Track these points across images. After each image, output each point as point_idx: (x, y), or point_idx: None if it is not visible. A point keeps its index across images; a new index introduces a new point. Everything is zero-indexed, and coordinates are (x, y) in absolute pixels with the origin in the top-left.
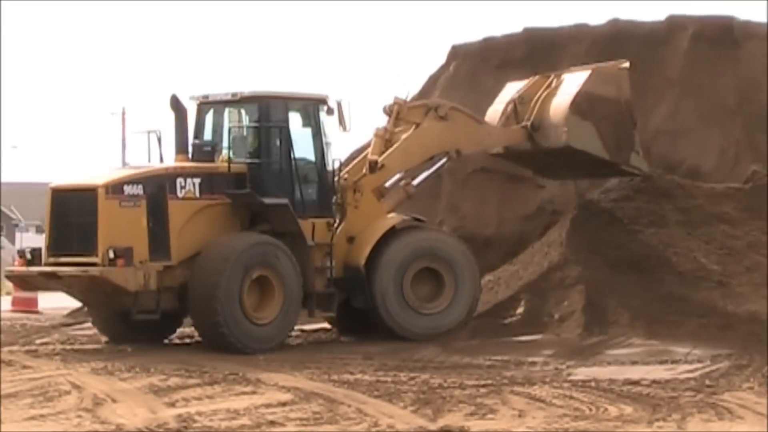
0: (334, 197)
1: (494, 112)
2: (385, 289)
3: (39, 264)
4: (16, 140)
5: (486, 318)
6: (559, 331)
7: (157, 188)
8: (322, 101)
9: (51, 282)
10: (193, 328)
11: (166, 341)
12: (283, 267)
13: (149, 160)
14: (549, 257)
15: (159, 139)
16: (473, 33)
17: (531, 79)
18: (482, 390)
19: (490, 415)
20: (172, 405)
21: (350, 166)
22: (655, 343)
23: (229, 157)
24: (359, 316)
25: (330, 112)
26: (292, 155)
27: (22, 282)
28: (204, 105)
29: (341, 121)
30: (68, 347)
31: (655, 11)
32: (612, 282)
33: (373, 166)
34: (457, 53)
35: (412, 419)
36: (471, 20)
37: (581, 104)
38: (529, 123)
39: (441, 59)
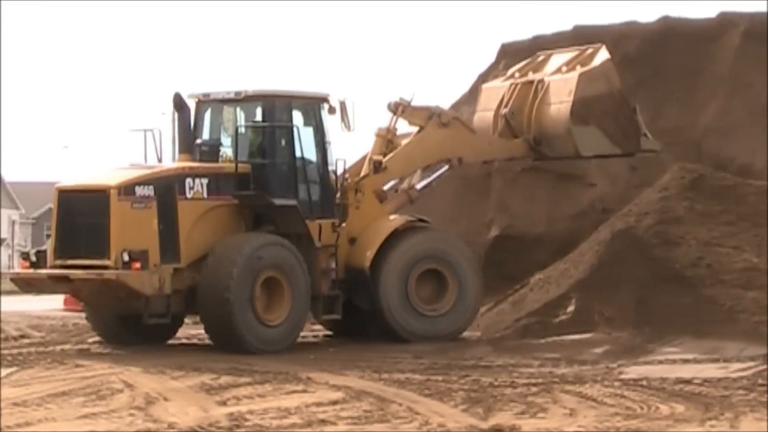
0: (336, 198)
1: (480, 120)
2: (390, 291)
3: (44, 266)
4: (68, 140)
5: (536, 317)
6: (609, 330)
7: (166, 189)
8: (324, 100)
9: (59, 285)
10: (189, 330)
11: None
12: (292, 268)
13: (146, 160)
14: (599, 255)
15: (153, 138)
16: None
17: (511, 86)
18: (533, 389)
19: (540, 414)
20: (224, 403)
21: (349, 166)
22: (707, 342)
23: (236, 158)
24: (355, 318)
25: (331, 111)
26: (297, 155)
27: (28, 285)
28: (204, 103)
29: (345, 121)
30: (123, 347)
31: (706, 9)
32: (663, 280)
33: (378, 167)
34: (507, 51)
35: (463, 418)
36: (521, 18)
37: (579, 112)
38: (530, 138)
39: (490, 58)
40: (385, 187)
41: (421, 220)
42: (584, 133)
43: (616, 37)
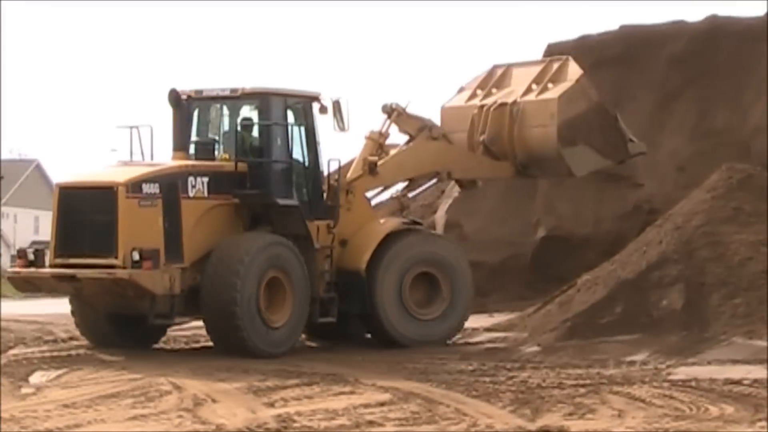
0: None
1: (459, 140)
2: (385, 294)
3: (42, 265)
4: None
5: (584, 317)
6: (657, 331)
7: (171, 187)
8: (316, 99)
9: (63, 284)
10: (172, 332)
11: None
12: (294, 269)
13: (131, 157)
14: (647, 256)
15: (139, 135)
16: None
17: (482, 109)
18: (581, 390)
19: (589, 415)
20: (272, 405)
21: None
22: (756, 343)
23: (236, 156)
24: (339, 322)
25: (323, 110)
26: (294, 155)
27: (27, 284)
28: (195, 100)
29: (339, 121)
30: (168, 348)
31: (754, 8)
32: (711, 281)
33: (372, 168)
34: (553, 51)
35: (511, 419)
36: (566, 18)
37: (565, 134)
38: (516, 162)
39: (537, 57)
40: (369, 194)
41: (414, 222)
42: (574, 153)
43: (662, 36)
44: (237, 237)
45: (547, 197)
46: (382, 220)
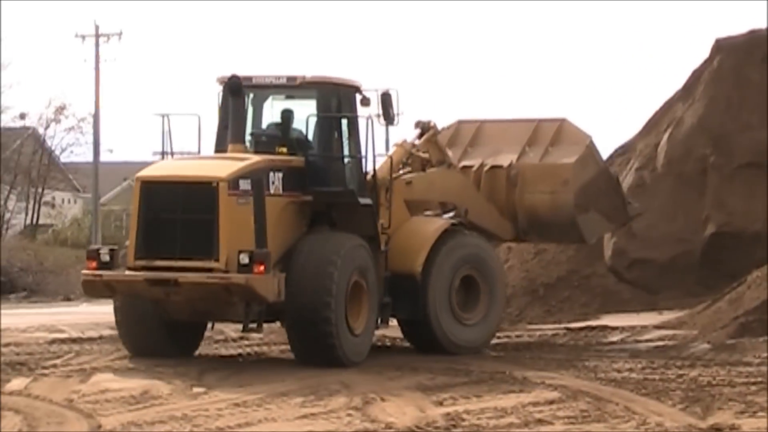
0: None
1: None
2: (438, 298)
3: (114, 267)
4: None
5: (755, 314)
6: None
7: (259, 183)
8: (359, 90)
9: (156, 289)
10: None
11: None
12: (371, 273)
13: (163, 147)
14: None
15: (168, 125)
16: (738, 26)
17: (472, 173)
18: (752, 388)
19: (760, 413)
20: (440, 404)
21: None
22: None
23: (305, 150)
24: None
25: (365, 102)
26: (348, 149)
27: (105, 288)
28: (245, 88)
29: (387, 113)
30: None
31: None
32: None
33: (425, 165)
34: (721, 47)
35: (681, 417)
36: (735, 13)
37: (581, 201)
38: (519, 228)
39: (704, 54)
40: None
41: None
42: (587, 220)
43: None
44: (320, 237)
45: (717, 193)
46: (426, 219)
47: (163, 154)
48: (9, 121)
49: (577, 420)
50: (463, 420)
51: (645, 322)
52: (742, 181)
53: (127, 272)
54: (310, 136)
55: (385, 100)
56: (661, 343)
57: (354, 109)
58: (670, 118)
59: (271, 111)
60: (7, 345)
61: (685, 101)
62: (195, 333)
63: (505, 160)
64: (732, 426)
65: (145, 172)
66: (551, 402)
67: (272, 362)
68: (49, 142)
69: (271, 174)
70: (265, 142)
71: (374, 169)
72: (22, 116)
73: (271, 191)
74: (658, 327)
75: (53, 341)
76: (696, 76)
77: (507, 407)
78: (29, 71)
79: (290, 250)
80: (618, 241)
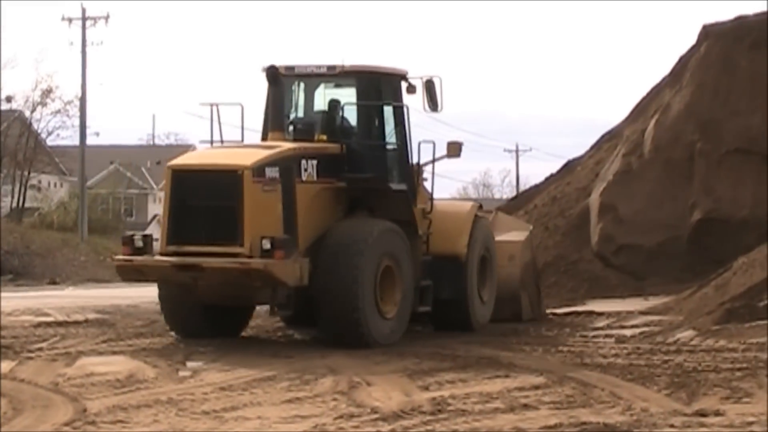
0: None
1: None
2: (472, 279)
3: (147, 253)
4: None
5: (741, 300)
6: None
7: (288, 171)
8: (404, 77)
9: (180, 274)
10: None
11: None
12: (403, 257)
13: (212, 136)
14: None
15: (216, 114)
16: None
17: None
18: (737, 373)
19: (745, 399)
20: (426, 388)
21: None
22: None
23: (341, 137)
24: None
25: (411, 89)
26: (390, 136)
27: (136, 273)
28: (285, 77)
29: (432, 100)
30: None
31: None
32: None
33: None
34: (709, 33)
35: (667, 403)
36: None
37: (523, 278)
38: None
39: (691, 40)
40: None
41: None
42: (524, 298)
43: None
44: (350, 223)
45: (704, 179)
46: (450, 203)
47: (212, 142)
48: None
49: (563, 405)
50: (449, 405)
51: (631, 308)
52: (730, 167)
53: (157, 258)
54: (354, 124)
55: (430, 87)
56: (647, 329)
57: (399, 97)
58: (658, 104)
59: (323, 99)
60: None
61: (672, 87)
62: (239, 316)
63: None
64: (717, 411)
65: (176, 161)
66: (537, 387)
67: (258, 346)
68: (35, 126)
69: (304, 161)
70: (303, 129)
71: (410, 156)
72: (9, 99)
73: (303, 178)
74: (644, 313)
75: (39, 324)
76: (683, 62)
77: (493, 392)
78: (16, 54)
79: (323, 235)
80: (605, 227)
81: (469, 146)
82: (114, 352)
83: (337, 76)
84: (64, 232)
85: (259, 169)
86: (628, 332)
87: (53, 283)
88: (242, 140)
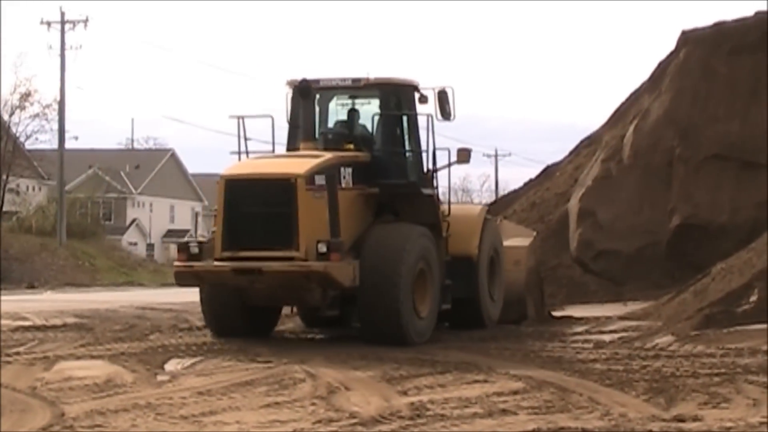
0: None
1: None
2: (483, 278)
3: (202, 259)
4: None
5: (719, 306)
6: None
7: (331, 178)
8: (417, 89)
9: (240, 278)
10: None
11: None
12: (434, 259)
13: (239, 148)
14: None
15: (241, 125)
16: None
17: None
18: (716, 379)
19: (724, 405)
20: (405, 393)
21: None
22: None
23: (372, 146)
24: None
25: (423, 100)
26: (409, 144)
27: (194, 278)
28: (314, 90)
29: (445, 110)
30: (303, 336)
31: None
32: None
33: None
34: (688, 39)
35: (645, 408)
36: (701, 5)
37: (529, 281)
38: None
39: (670, 46)
40: None
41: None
42: (529, 301)
43: None
44: (390, 228)
45: (683, 185)
46: (461, 206)
47: (239, 153)
48: None
49: (542, 410)
50: (428, 410)
51: (610, 313)
52: (708, 173)
53: (216, 263)
54: (373, 133)
55: (442, 97)
56: (625, 334)
57: (413, 107)
58: (637, 109)
59: (336, 110)
60: None
61: (651, 93)
62: (272, 316)
63: None
64: (695, 417)
65: (229, 171)
66: (516, 392)
67: (236, 351)
68: (13, 129)
69: (342, 169)
70: (332, 139)
71: (434, 162)
72: None
73: (342, 185)
74: (622, 318)
75: (17, 329)
76: (663, 68)
77: (471, 397)
78: None
79: (359, 238)
80: (584, 233)
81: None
82: (92, 357)
83: (362, 88)
84: (43, 236)
85: (310, 177)
86: (606, 337)
87: (31, 287)
88: (273, 151)
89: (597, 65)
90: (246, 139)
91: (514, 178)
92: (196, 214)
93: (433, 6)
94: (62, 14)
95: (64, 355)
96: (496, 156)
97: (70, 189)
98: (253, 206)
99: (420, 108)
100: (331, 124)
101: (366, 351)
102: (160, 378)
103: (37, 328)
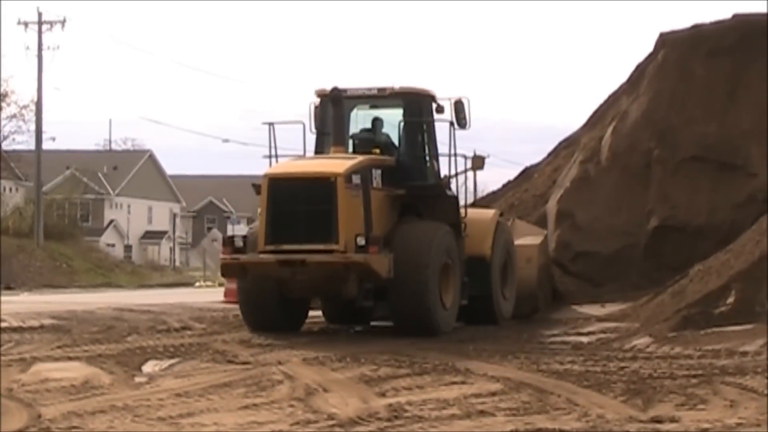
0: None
1: None
2: (496, 278)
3: (245, 252)
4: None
5: (697, 307)
6: None
7: (365, 178)
8: (434, 98)
9: (283, 269)
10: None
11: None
12: (456, 256)
13: (270, 152)
14: (760, 246)
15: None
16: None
17: None
18: (693, 380)
19: (701, 406)
20: (383, 395)
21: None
22: None
23: (395, 151)
24: (346, 305)
25: (440, 109)
26: (430, 150)
27: (240, 270)
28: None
29: (461, 119)
30: (280, 338)
31: None
32: None
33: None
34: (666, 41)
35: (623, 409)
36: (678, 7)
37: (541, 278)
38: None
39: (648, 48)
40: None
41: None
42: (540, 296)
43: None
44: (417, 226)
45: (661, 186)
46: (475, 209)
47: (270, 157)
48: None
49: (519, 412)
50: (406, 411)
51: (588, 315)
52: (686, 174)
53: (261, 255)
54: (395, 140)
55: (458, 107)
56: (603, 336)
57: (431, 115)
58: (615, 111)
59: (356, 118)
60: None
61: (629, 95)
62: (303, 311)
63: None
64: (672, 418)
65: (272, 171)
66: (494, 393)
67: (214, 352)
68: None
69: (373, 171)
70: (359, 144)
71: (456, 168)
72: None
73: (373, 185)
74: (600, 319)
75: None
76: (641, 70)
77: (449, 398)
78: None
79: (387, 236)
80: (562, 234)
81: None
82: (69, 358)
83: (387, 97)
84: (20, 237)
85: (348, 176)
86: (584, 339)
87: (9, 288)
88: (304, 154)
89: (576, 67)
90: (275, 143)
91: (493, 179)
92: (174, 216)
93: (413, 7)
94: (39, 15)
95: (41, 357)
96: (474, 157)
97: (47, 190)
98: (294, 203)
99: (436, 116)
100: (354, 130)
101: (344, 352)
102: (137, 380)
103: (14, 329)
